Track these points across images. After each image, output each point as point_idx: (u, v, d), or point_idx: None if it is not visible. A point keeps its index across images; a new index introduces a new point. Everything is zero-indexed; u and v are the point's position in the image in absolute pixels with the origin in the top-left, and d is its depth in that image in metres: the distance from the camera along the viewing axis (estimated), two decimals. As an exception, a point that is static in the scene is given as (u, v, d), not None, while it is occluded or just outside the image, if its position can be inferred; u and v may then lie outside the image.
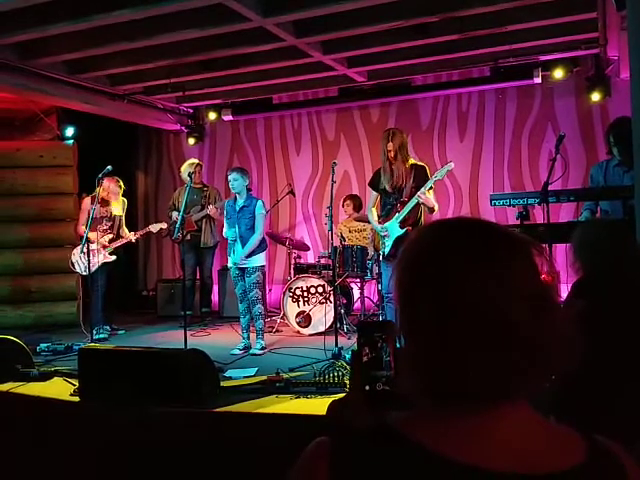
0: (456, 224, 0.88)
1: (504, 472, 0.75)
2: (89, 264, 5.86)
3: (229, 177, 5.55)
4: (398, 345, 0.83)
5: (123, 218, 6.70)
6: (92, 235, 6.14)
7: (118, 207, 6.60)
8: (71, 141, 7.38)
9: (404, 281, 0.84)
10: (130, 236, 6.55)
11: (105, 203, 6.48)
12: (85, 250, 5.91)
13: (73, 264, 6.43)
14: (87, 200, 6.50)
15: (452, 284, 0.78)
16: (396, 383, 0.85)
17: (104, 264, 6.36)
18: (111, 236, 6.49)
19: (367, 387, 0.94)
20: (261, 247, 5.61)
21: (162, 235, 7.33)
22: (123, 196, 6.74)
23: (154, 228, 6.68)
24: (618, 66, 6.02)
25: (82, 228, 6.32)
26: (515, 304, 0.77)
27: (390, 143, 4.95)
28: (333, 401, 1.07)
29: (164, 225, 6.73)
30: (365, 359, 0.94)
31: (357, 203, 7.22)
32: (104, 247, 6.36)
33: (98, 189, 6.17)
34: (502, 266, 0.79)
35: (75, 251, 6.43)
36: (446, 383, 0.78)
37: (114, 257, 6.45)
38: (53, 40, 5.67)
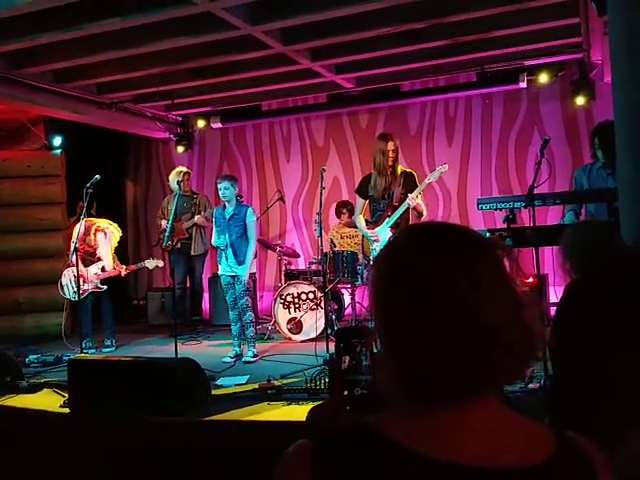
0: (432, 227, 0.90)
1: (477, 467, 0.77)
2: (79, 290, 5.79)
3: (219, 185, 5.54)
4: (376, 347, 0.84)
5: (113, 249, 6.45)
6: (81, 269, 5.97)
7: (107, 255, 6.30)
8: (59, 151, 7.36)
9: (382, 283, 0.86)
10: (121, 270, 6.25)
11: (90, 243, 6.23)
12: (74, 275, 5.81)
13: (62, 287, 6.27)
14: (75, 229, 6.20)
15: (432, 286, 0.80)
16: (374, 385, 0.87)
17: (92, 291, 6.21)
18: (102, 264, 6.26)
19: (346, 392, 0.95)
20: (252, 254, 5.62)
21: (152, 244, 7.30)
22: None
23: (150, 264, 6.34)
24: (602, 70, 6.08)
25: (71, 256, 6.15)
26: (493, 305, 0.80)
27: (391, 142, 5.01)
28: (313, 407, 1.08)
29: (161, 263, 6.41)
30: (344, 364, 0.95)
31: (351, 209, 7.24)
32: (94, 276, 6.19)
33: (82, 222, 5.98)
34: (479, 267, 0.82)
35: (65, 272, 6.27)
36: (427, 382, 0.79)
37: (105, 287, 6.21)
38: (41, 49, 5.66)
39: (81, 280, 5.96)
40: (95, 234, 6.23)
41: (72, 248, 5.91)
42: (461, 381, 0.79)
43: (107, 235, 6.33)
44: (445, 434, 0.80)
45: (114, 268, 6.28)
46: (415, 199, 4.87)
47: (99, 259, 6.26)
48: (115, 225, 6.50)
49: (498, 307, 0.80)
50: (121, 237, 6.61)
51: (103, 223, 6.39)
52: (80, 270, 5.88)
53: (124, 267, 6.32)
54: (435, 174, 5.03)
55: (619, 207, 3.04)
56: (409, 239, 0.88)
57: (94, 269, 6.22)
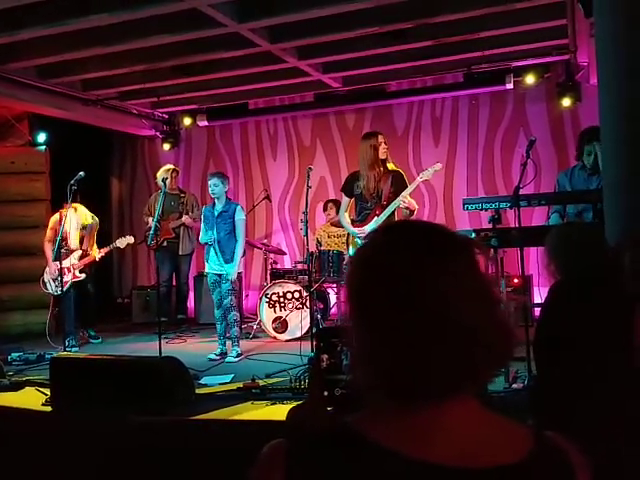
0: (410, 226, 0.91)
1: (456, 467, 0.77)
2: (62, 282, 5.75)
3: (209, 182, 5.52)
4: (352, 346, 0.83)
5: (94, 238, 6.52)
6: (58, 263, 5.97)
7: (74, 232, 6.31)
8: (43, 147, 7.29)
9: (361, 280, 0.85)
10: (94, 254, 6.32)
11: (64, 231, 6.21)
12: (57, 269, 5.78)
13: (45, 283, 6.28)
14: (55, 217, 6.25)
15: (413, 284, 0.79)
16: (353, 384, 0.87)
17: (74, 282, 6.24)
18: (80, 252, 6.31)
19: (326, 392, 0.94)
20: (239, 253, 5.59)
21: (137, 242, 7.26)
22: (96, 207, 6.58)
23: (121, 243, 6.42)
24: (588, 72, 6.13)
25: (47, 245, 6.19)
26: (472, 304, 0.80)
27: (380, 135, 5.00)
28: (292, 407, 1.08)
29: (131, 239, 6.47)
30: (324, 364, 0.94)
31: (338, 207, 7.22)
32: (74, 267, 6.22)
33: (65, 210, 5.97)
34: (459, 266, 0.82)
35: (47, 270, 6.28)
36: (407, 381, 0.79)
37: (83, 275, 6.26)
38: (25, 45, 5.60)
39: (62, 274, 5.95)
40: (67, 211, 6.17)
41: (57, 242, 5.87)
42: (441, 380, 0.78)
43: (77, 211, 6.29)
44: (423, 433, 0.79)
45: (83, 250, 6.29)
46: (407, 199, 4.87)
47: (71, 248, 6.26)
48: (91, 214, 6.50)
49: (477, 306, 0.80)
50: (106, 234, 6.59)
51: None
52: (57, 265, 5.87)
53: (97, 250, 6.35)
54: (429, 172, 5.00)
55: (604, 209, 3.06)
56: (389, 237, 0.88)
57: (72, 260, 6.23)
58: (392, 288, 0.80)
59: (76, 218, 6.30)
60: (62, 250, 5.98)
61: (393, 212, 4.96)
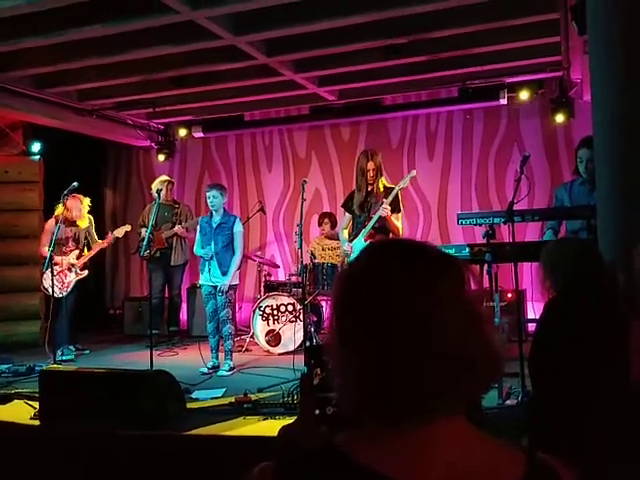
0: (394, 242, 0.92)
1: None
2: (53, 285, 5.73)
3: (208, 194, 5.49)
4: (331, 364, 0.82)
5: (94, 234, 6.56)
6: (57, 258, 6.02)
7: (85, 223, 6.49)
8: (37, 157, 7.27)
9: (342, 298, 0.84)
10: (94, 247, 6.43)
11: (70, 223, 6.30)
12: (50, 272, 5.76)
13: (46, 289, 6.19)
14: (51, 221, 6.29)
15: (395, 302, 0.78)
16: (339, 404, 0.86)
17: (78, 280, 6.29)
18: (77, 252, 6.35)
19: (317, 411, 0.93)
20: (236, 266, 5.56)
21: (131, 252, 7.24)
22: (89, 213, 6.60)
23: (119, 233, 6.51)
24: (581, 88, 6.17)
25: (44, 249, 6.11)
26: (453, 319, 0.79)
27: (371, 162, 5.06)
28: (283, 426, 1.07)
29: (128, 228, 6.60)
30: (316, 381, 0.93)
31: (333, 221, 7.24)
32: (73, 265, 6.23)
33: (61, 209, 6.03)
34: (440, 284, 0.81)
35: (46, 276, 6.18)
36: (390, 398, 0.77)
37: (86, 272, 6.34)
38: (21, 54, 5.59)
39: (63, 276, 6.07)
40: (67, 203, 6.18)
41: (51, 245, 5.84)
42: (425, 399, 0.77)
43: (80, 201, 6.39)
44: (409, 456, 0.78)
45: (80, 250, 6.36)
46: (387, 208, 4.91)
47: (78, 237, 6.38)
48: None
49: (462, 324, 0.79)
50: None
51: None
52: (57, 269, 5.96)
53: (98, 242, 6.47)
54: (405, 180, 5.13)
55: (597, 224, 3.06)
56: (374, 255, 0.88)
57: (71, 259, 6.27)
58: (374, 306, 0.79)
59: (82, 206, 6.40)
60: (66, 246, 6.19)
61: (383, 227, 4.98)
